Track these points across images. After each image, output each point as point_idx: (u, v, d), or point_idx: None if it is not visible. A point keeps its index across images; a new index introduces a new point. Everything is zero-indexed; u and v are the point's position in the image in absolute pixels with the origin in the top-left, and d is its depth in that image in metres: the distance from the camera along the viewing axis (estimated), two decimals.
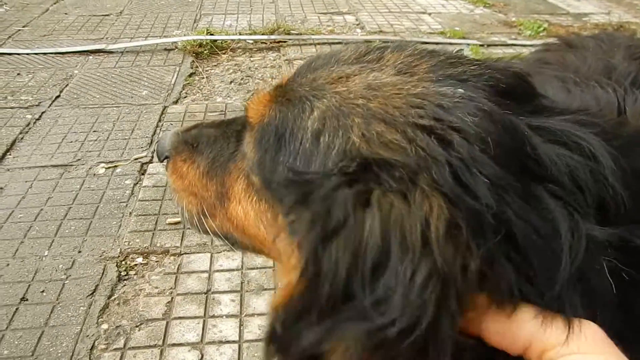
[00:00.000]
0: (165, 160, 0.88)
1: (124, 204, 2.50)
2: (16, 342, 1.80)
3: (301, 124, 0.63)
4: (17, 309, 1.94)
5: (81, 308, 1.94)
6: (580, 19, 5.35)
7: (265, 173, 0.66)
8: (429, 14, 5.31)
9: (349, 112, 0.60)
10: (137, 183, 2.65)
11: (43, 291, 2.02)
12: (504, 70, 0.65)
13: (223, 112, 3.30)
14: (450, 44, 4.47)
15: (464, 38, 4.62)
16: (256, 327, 1.86)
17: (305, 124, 0.63)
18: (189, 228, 0.92)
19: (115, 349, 1.79)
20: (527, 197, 0.51)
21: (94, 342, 1.81)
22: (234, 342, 1.81)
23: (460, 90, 0.58)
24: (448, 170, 0.50)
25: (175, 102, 3.44)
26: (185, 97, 3.52)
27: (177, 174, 0.84)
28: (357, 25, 4.85)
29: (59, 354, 1.76)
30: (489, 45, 4.52)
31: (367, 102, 0.60)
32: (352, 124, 0.59)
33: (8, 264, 2.14)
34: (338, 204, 0.49)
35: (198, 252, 2.21)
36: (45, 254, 2.20)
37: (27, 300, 1.98)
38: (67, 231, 2.33)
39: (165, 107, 3.36)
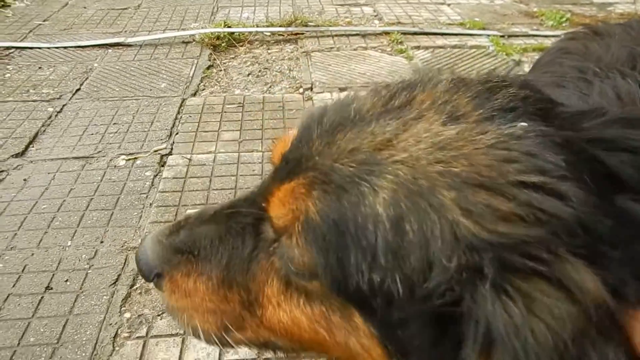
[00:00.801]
0: (156, 279, 0.69)
1: (145, 195, 2.52)
2: (42, 330, 1.84)
3: (367, 212, 0.51)
4: (42, 297, 1.97)
5: (104, 297, 1.97)
6: (604, 9, 5.24)
7: (333, 277, 0.54)
8: (448, 4, 5.25)
9: (432, 186, 0.50)
10: (157, 175, 2.67)
11: (67, 280, 2.05)
12: (526, 85, 0.60)
13: (241, 104, 3.30)
14: (471, 34, 4.41)
15: (484, 29, 4.55)
16: None
17: (373, 211, 0.51)
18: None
19: (138, 337, 1.81)
20: (621, 214, 0.47)
21: (117, 330, 1.83)
22: None
23: (522, 124, 0.52)
24: (579, 227, 0.44)
25: (194, 95, 3.45)
26: (203, 90, 3.53)
27: (180, 292, 0.67)
28: (375, 16, 4.81)
29: (84, 342, 1.79)
30: (509, 36, 4.45)
31: (447, 167, 0.50)
32: (444, 199, 0.49)
33: (33, 254, 2.18)
34: (480, 310, 0.42)
35: None
36: (69, 244, 2.23)
37: (51, 289, 2.01)
38: (89, 222, 2.36)
39: (183, 100, 3.38)
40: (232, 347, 0.69)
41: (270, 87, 3.54)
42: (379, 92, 0.63)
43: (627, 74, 1.25)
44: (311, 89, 3.47)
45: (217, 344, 0.68)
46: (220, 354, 1.74)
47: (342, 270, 0.52)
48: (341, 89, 3.44)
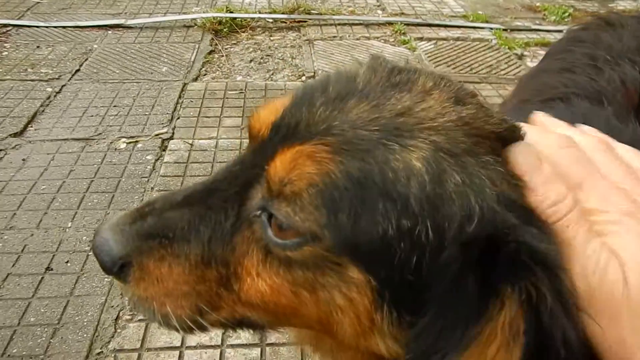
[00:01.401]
0: (122, 270, 0.63)
1: (146, 179, 2.50)
2: (42, 310, 1.82)
3: (399, 166, 0.52)
4: (42, 277, 1.95)
5: (105, 279, 1.95)
6: (606, 5, 5.24)
7: (342, 235, 0.54)
8: None
9: (471, 150, 0.54)
10: (158, 159, 2.65)
11: (67, 262, 2.03)
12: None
13: (243, 91, 3.28)
14: (474, 27, 4.40)
15: (486, 22, 4.54)
16: None
17: (408, 165, 0.52)
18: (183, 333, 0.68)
19: (140, 320, 1.80)
20: None
21: (119, 313, 1.82)
22: None
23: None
24: None
25: (195, 80, 3.42)
26: (205, 75, 3.50)
27: (151, 279, 0.63)
28: (378, 6, 4.78)
29: (85, 323, 1.78)
30: (512, 30, 4.45)
31: (478, 139, 0.56)
32: (485, 160, 0.54)
33: (32, 234, 2.15)
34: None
35: None
36: (69, 225, 2.21)
37: (52, 269, 1.99)
38: (89, 204, 2.34)
39: (185, 84, 3.34)
40: (206, 330, 0.66)
41: (272, 74, 3.52)
42: (374, 69, 0.63)
43: (637, 62, 1.27)
44: (314, 77, 3.45)
45: (189, 330, 0.65)
46: (222, 338, 1.73)
47: (356, 225, 0.53)
48: None
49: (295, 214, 0.55)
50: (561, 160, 0.54)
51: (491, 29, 4.40)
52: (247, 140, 0.68)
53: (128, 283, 0.63)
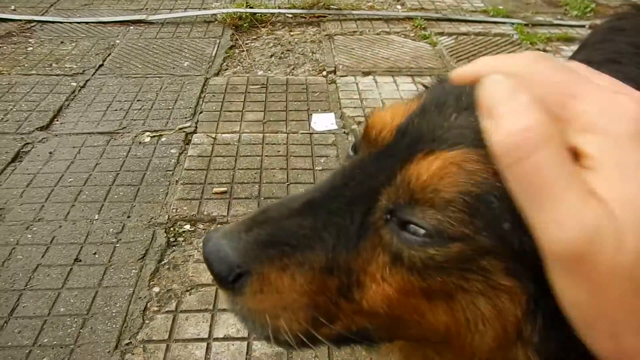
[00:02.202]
0: (237, 280, 0.59)
1: (170, 172, 2.53)
2: (72, 301, 1.85)
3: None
4: (71, 269, 1.98)
5: (133, 271, 1.98)
6: (629, 0, 5.14)
7: (497, 235, 0.50)
8: None
9: None
10: (182, 152, 2.67)
11: (95, 253, 2.06)
12: None
13: (265, 85, 3.29)
14: (494, 22, 4.35)
15: (507, 17, 4.49)
16: None
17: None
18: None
19: (168, 312, 1.82)
20: None
21: (147, 304, 1.85)
22: None
23: None
24: None
25: (217, 74, 3.44)
26: (226, 70, 3.51)
27: (270, 290, 0.59)
28: (398, 1, 4.76)
29: (114, 314, 1.80)
30: (533, 25, 4.39)
31: None
32: None
33: (60, 226, 2.19)
34: None
35: None
36: (96, 217, 2.24)
37: (80, 261, 2.02)
38: (115, 196, 2.37)
39: (207, 79, 3.36)
40: (318, 344, 0.62)
41: (293, 69, 3.52)
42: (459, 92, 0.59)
43: None
44: (334, 72, 3.45)
45: (300, 344, 0.61)
46: (249, 332, 1.74)
47: (514, 232, 0.49)
48: (364, 73, 3.41)
49: (445, 220, 0.52)
50: (539, 76, 0.39)
51: (512, 24, 4.35)
52: (360, 142, 0.63)
53: (242, 294, 0.58)
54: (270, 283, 0.58)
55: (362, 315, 0.59)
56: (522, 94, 0.37)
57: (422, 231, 0.53)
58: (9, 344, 1.69)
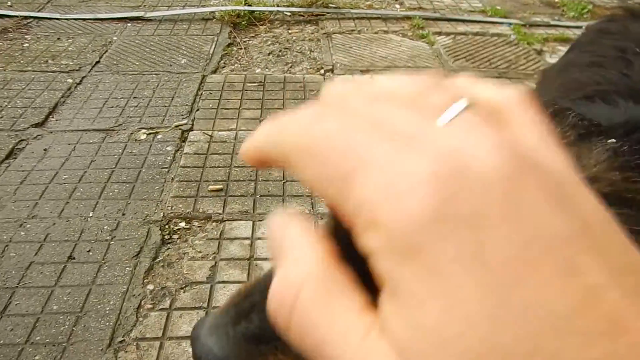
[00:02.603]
0: None
1: (166, 170, 2.51)
2: (65, 298, 1.84)
3: None
4: (64, 266, 1.97)
5: (127, 268, 1.96)
6: (625, 1, 5.15)
7: None
8: None
9: None
10: (178, 150, 2.66)
11: (89, 250, 2.04)
12: None
13: (262, 83, 3.27)
14: (492, 22, 4.35)
15: (505, 17, 4.49)
16: None
17: None
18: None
19: (162, 309, 1.80)
20: None
21: (141, 302, 1.83)
22: None
23: None
24: None
25: (214, 72, 3.42)
26: (223, 67, 3.50)
27: None
28: (396, 1, 4.75)
29: (107, 311, 1.79)
30: (531, 26, 4.39)
31: None
32: None
33: (54, 223, 2.17)
34: None
35: (240, 220, 2.22)
36: (90, 215, 2.23)
37: (74, 258, 2.00)
38: (110, 194, 2.35)
39: (204, 77, 3.35)
40: None
41: (291, 67, 3.51)
42: None
43: None
44: (332, 70, 3.44)
45: None
46: None
47: None
48: (362, 71, 3.41)
49: None
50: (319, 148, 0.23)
51: (510, 24, 4.35)
52: None
53: None
54: None
55: None
56: (292, 224, 0.25)
57: None
58: (1, 341, 1.67)
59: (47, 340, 1.69)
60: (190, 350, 1.48)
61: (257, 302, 0.49)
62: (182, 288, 1.89)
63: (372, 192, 0.21)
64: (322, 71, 3.43)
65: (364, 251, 0.21)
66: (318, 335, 0.22)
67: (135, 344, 1.69)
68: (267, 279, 0.57)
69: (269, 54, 3.68)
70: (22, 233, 2.11)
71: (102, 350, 1.66)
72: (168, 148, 2.67)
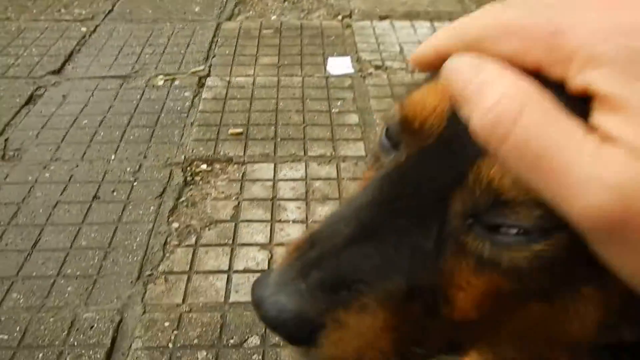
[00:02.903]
0: (313, 334, 0.48)
1: (185, 115, 2.50)
2: (93, 235, 1.86)
3: None
4: (90, 205, 1.99)
5: (151, 208, 1.98)
6: None
7: None
8: None
9: None
10: (196, 95, 2.64)
11: (113, 191, 2.06)
12: None
13: (278, 30, 3.22)
14: None
15: None
16: None
17: None
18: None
19: (188, 246, 1.83)
20: None
21: (167, 239, 1.86)
22: None
23: None
24: None
25: (229, 19, 3.36)
26: (238, 14, 3.43)
27: (351, 334, 0.50)
28: None
29: (134, 247, 1.82)
30: None
31: None
32: None
33: (77, 166, 2.19)
34: None
35: (261, 162, 2.21)
36: (113, 157, 2.24)
37: (99, 198, 2.03)
38: (131, 137, 2.36)
39: (219, 24, 3.29)
40: None
41: (307, 13, 3.43)
42: None
43: None
44: (350, 16, 3.36)
45: None
46: (269, 263, 1.76)
47: None
48: (381, 17, 3.33)
49: (545, 214, 0.43)
50: (511, 28, 0.30)
51: None
52: (399, 135, 0.52)
53: (319, 346, 0.49)
54: (349, 328, 0.48)
55: (451, 328, 0.52)
56: (488, 63, 0.30)
57: (514, 230, 0.46)
58: (34, 274, 1.71)
59: (78, 273, 1.72)
60: (217, 284, 1.49)
61: (325, 250, 0.48)
62: (206, 226, 1.91)
63: (588, 36, 0.27)
64: (339, 17, 3.36)
65: (579, 88, 0.27)
66: (544, 149, 0.26)
67: (163, 277, 1.72)
68: (330, 226, 0.50)
69: (284, 1, 3.60)
70: (47, 174, 2.13)
71: (131, 282, 1.69)
72: (186, 94, 2.65)
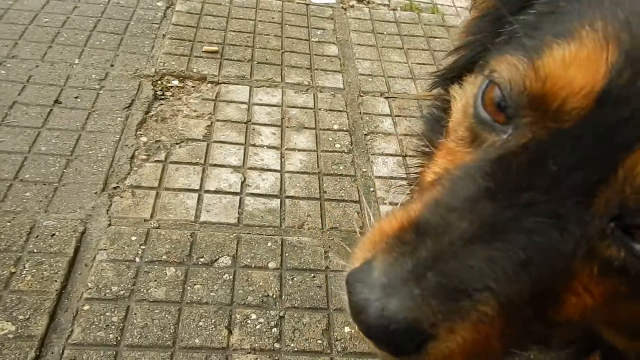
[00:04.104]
0: (416, 348, 0.45)
1: (157, 26, 2.34)
2: (53, 141, 1.76)
3: None
4: (51, 109, 1.86)
5: (118, 119, 1.88)
6: None
7: None
8: None
9: None
10: (169, 6, 2.47)
11: (77, 97, 1.93)
12: None
13: None
14: None
15: None
16: (297, 161, 1.84)
17: None
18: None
19: (157, 161, 1.76)
20: None
21: (134, 152, 1.77)
22: (275, 170, 1.80)
23: None
24: None
25: None
26: None
27: (465, 344, 0.45)
28: None
29: (99, 158, 1.73)
30: None
31: None
32: None
33: (37, 66, 2.02)
34: None
35: (236, 84, 2.13)
36: (76, 62, 2.08)
37: (60, 103, 1.90)
38: (97, 43, 2.19)
39: None
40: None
41: None
42: None
43: None
44: None
45: None
46: (242, 186, 1.72)
47: None
48: None
49: None
50: None
51: None
52: (518, 108, 0.43)
53: (425, 356, 0.45)
54: (464, 340, 0.44)
55: (549, 328, 0.49)
56: None
57: None
58: None
59: (37, 179, 1.63)
60: (188, 202, 1.44)
61: (441, 249, 0.43)
62: (177, 143, 1.84)
63: None
64: None
65: None
66: None
67: (130, 191, 1.65)
68: (442, 217, 0.45)
69: None
70: (3, 72, 1.97)
71: (96, 193, 1.62)
72: (158, 3, 2.47)
